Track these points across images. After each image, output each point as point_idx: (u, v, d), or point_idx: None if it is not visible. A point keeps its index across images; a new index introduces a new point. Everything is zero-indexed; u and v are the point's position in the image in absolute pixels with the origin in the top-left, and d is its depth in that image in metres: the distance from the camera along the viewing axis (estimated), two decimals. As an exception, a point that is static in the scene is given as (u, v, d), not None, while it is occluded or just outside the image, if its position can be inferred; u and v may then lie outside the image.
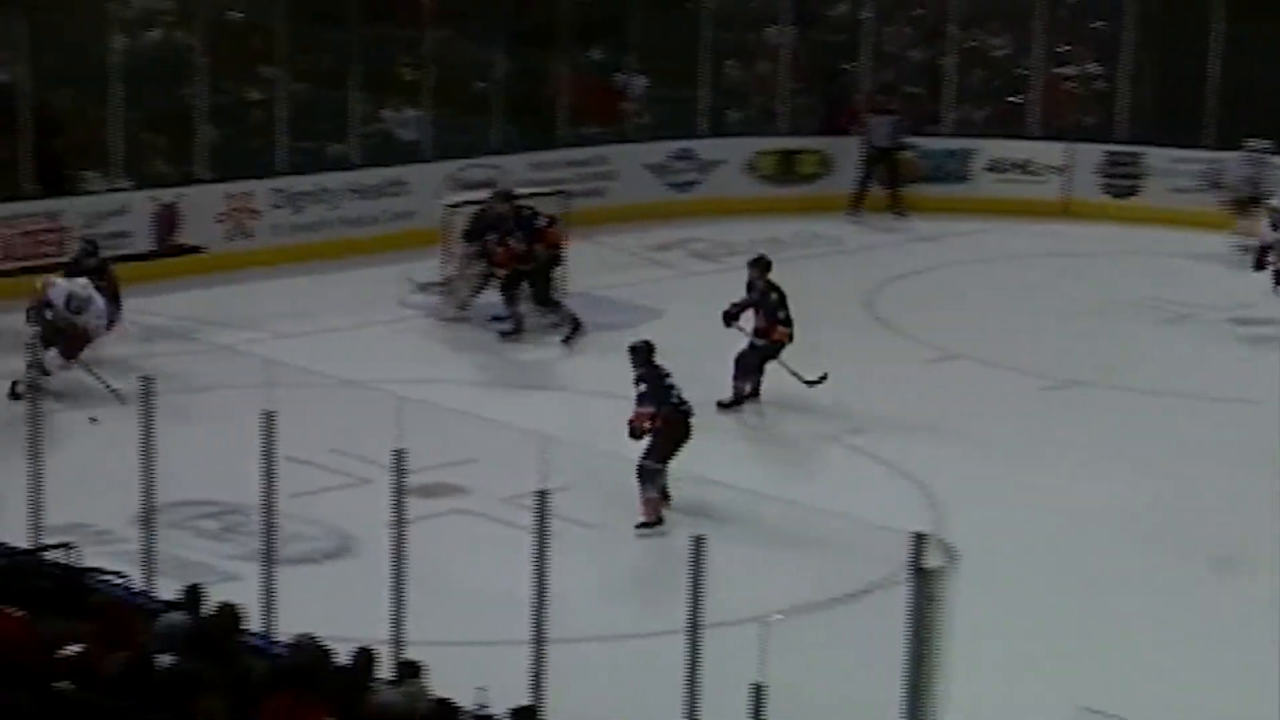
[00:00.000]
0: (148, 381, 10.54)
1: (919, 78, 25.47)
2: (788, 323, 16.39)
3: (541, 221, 18.38)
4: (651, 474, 13.52)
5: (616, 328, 17.87)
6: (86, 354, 15.91)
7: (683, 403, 14.10)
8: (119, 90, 20.33)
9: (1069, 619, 12.29)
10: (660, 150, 23.78)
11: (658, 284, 20.57)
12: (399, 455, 9.61)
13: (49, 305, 15.97)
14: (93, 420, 11.54)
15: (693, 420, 14.04)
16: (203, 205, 20.70)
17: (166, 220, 20.48)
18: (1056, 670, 11.49)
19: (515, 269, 18.13)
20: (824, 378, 16.31)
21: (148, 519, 10.80)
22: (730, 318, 16.55)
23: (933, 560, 8.00)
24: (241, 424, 10.43)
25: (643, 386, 14.07)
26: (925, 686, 8.00)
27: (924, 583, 7.93)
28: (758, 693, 7.73)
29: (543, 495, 9.08)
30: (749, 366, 16.38)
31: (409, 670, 8.79)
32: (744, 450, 15.25)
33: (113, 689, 8.46)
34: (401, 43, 22.81)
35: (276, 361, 11.17)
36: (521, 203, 18.99)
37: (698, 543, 8.43)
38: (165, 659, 8.79)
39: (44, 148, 20.19)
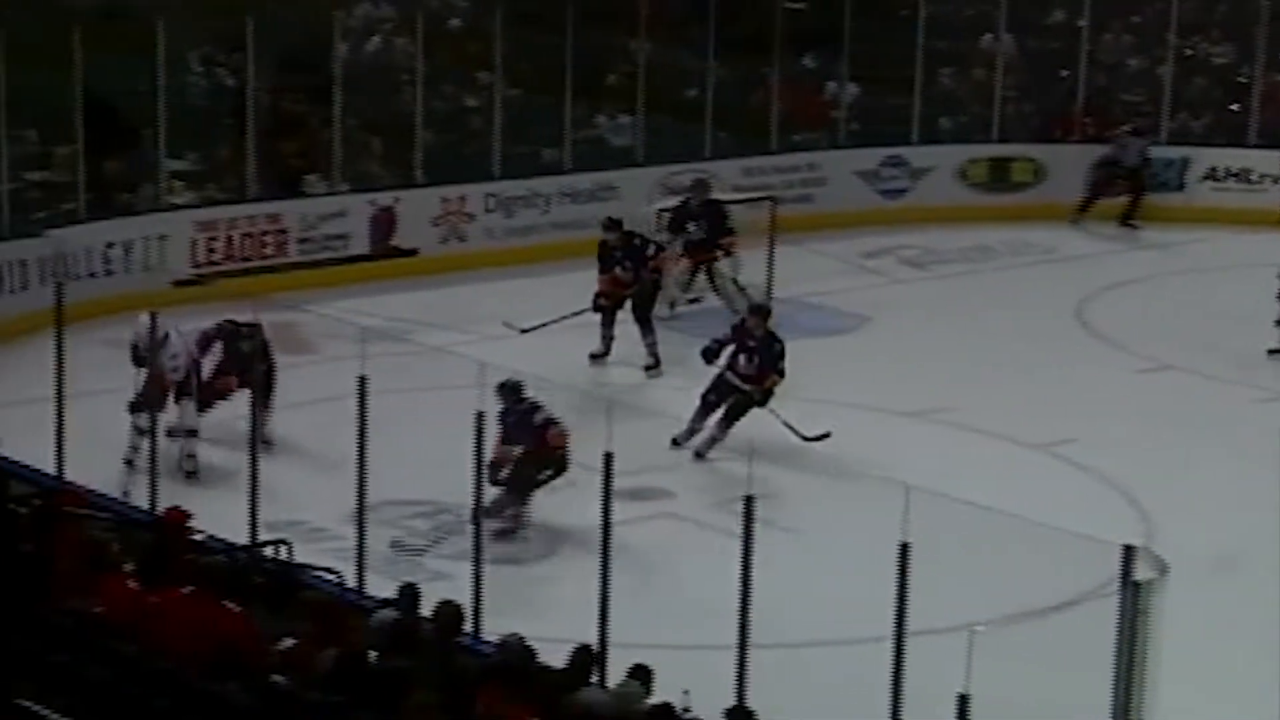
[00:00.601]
0: (363, 381, 10.71)
1: (1137, 85, 25.14)
2: (783, 373, 15.69)
3: (650, 250, 18.44)
4: (528, 491, 13.52)
5: (825, 334, 17.86)
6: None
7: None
8: (340, 96, 20.74)
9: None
10: (871, 157, 23.67)
11: (866, 291, 20.50)
12: (608, 458, 9.66)
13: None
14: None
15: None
16: (418, 209, 21.01)
17: (383, 223, 20.82)
18: (1266, 686, 11.32)
19: (618, 295, 18.12)
20: (827, 435, 15.33)
21: (360, 517, 10.98)
22: (712, 354, 15.84)
23: (1143, 572, 7.93)
24: (453, 424, 10.58)
25: (543, 414, 13.60)
26: (1134, 699, 7.93)
27: (1134, 595, 7.86)
28: (963, 703, 7.71)
29: (749, 500, 9.12)
30: (734, 412, 15.51)
31: (640, 675, 8.83)
32: (953, 459, 15.15)
33: (326, 684, 8.63)
34: (615, 49, 22.97)
35: (488, 363, 11.27)
36: (726, 204, 19.39)
37: (904, 550, 8.42)
38: (376, 655, 8.95)
39: (269, 151, 20.64)
